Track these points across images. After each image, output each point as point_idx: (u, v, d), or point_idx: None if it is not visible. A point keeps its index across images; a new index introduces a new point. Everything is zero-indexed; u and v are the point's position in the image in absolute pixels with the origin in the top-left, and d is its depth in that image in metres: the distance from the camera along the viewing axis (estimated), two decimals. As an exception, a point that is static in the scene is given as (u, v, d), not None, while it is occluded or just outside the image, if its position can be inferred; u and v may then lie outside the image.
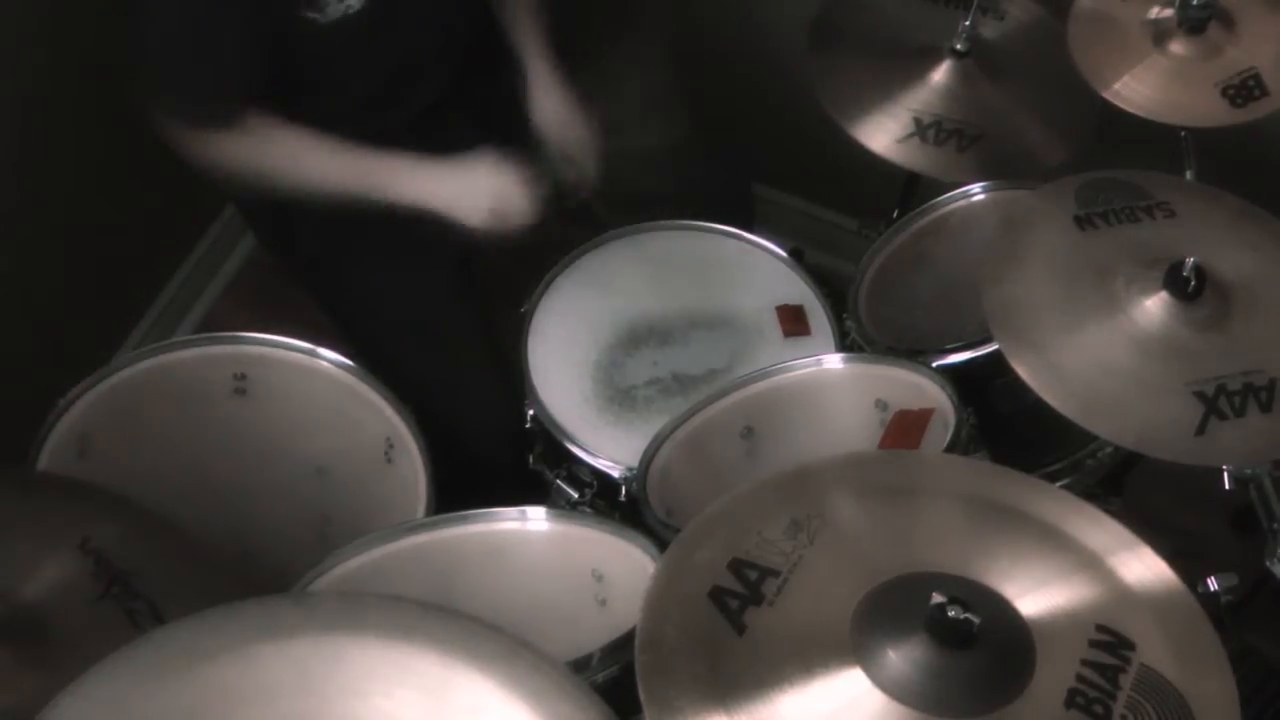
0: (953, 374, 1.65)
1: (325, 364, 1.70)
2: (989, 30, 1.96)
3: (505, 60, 1.95)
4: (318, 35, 1.71)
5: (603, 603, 1.50)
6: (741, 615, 1.07)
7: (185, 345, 1.72)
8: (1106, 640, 1.07)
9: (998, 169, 1.89)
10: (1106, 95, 1.74)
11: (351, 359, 1.70)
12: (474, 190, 1.74)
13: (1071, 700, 1.02)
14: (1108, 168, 1.60)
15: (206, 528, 1.43)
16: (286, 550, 1.60)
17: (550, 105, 1.92)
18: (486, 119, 1.98)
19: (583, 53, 1.98)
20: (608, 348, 1.83)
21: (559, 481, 1.75)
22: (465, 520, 1.51)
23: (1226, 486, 1.51)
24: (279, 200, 1.90)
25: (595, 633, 1.34)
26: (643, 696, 1.01)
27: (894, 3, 2.03)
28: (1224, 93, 1.71)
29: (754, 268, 1.92)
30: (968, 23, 1.89)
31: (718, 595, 1.08)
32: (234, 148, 1.72)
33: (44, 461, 1.57)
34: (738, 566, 1.10)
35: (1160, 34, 1.75)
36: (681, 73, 1.94)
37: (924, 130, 1.88)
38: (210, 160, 1.72)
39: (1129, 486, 1.95)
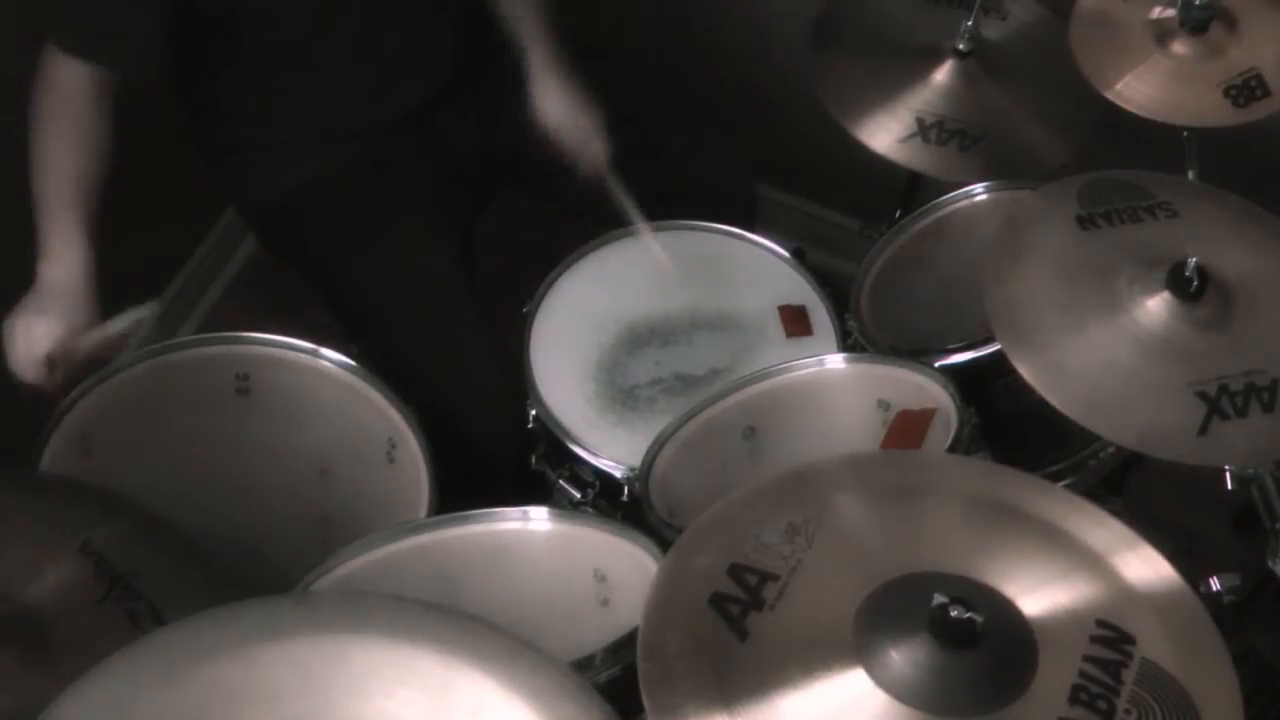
0: (955, 374, 1.65)
1: (327, 364, 1.70)
2: (991, 30, 1.97)
3: (502, 61, 1.95)
4: (274, 15, 1.71)
5: (605, 603, 1.50)
6: (743, 621, 1.06)
7: (187, 345, 1.72)
8: (1107, 635, 1.07)
9: (1000, 169, 1.89)
10: (1109, 95, 1.75)
11: (355, 359, 1.70)
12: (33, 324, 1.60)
13: (1075, 697, 1.02)
14: (1110, 168, 1.60)
15: (208, 528, 1.43)
16: (288, 550, 1.60)
17: (553, 94, 1.92)
18: (482, 119, 1.99)
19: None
20: (610, 348, 1.83)
21: (561, 481, 1.75)
22: (467, 520, 1.51)
23: (1228, 487, 1.51)
24: (276, 199, 1.91)
25: (597, 633, 1.34)
26: (646, 704, 1.01)
27: (896, 2, 2.03)
28: (1226, 93, 1.71)
29: (756, 268, 1.92)
30: (970, 23, 1.89)
31: (718, 602, 1.08)
32: (41, 80, 1.66)
33: (46, 462, 1.58)
34: (737, 572, 1.10)
35: (1162, 34, 1.75)
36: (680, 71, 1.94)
37: (926, 130, 1.88)
38: (38, 79, 1.66)
39: (1131, 486, 1.95)
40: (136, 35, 1.66)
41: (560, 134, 1.92)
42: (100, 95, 1.65)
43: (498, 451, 1.83)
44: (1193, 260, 1.41)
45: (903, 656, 1.02)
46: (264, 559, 1.62)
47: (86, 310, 1.62)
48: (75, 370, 1.61)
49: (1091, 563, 1.12)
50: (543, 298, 1.88)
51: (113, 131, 1.66)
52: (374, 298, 1.89)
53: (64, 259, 1.62)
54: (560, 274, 1.90)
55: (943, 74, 1.92)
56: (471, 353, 1.86)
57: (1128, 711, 1.02)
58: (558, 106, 1.92)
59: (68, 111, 1.65)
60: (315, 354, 1.70)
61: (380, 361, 1.76)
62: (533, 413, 1.77)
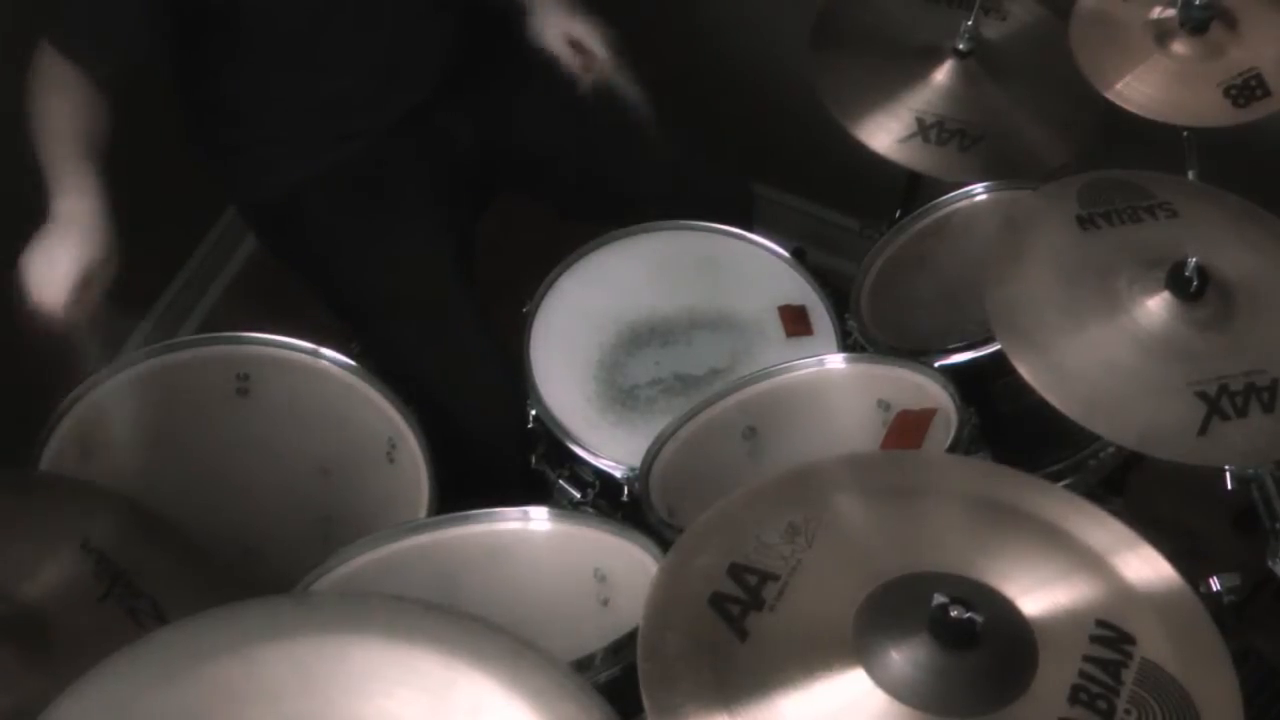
0: (955, 374, 1.65)
1: (327, 364, 1.70)
2: (991, 30, 1.97)
3: (503, 63, 1.94)
4: (272, 13, 1.72)
5: (605, 603, 1.50)
6: (743, 621, 1.06)
7: (187, 345, 1.72)
8: (1107, 635, 1.07)
9: (1000, 169, 1.89)
10: (1109, 95, 1.75)
11: (355, 359, 1.70)
12: (58, 244, 1.58)
13: (1075, 697, 1.02)
14: (1110, 168, 1.60)
15: (209, 527, 1.44)
16: (289, 550, 1.60)
17: (553, 13, 1.91)
18: (483, 120, 1.99)
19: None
20: (610, 348, 1.83)
21: (561, 481, 1.75)
22: (468, 520, 1.51)
23: (1228, 487, 1.51)
24: (277, 198, 1.91)
25: (597, 633, 1.34)
26: (646, 704, 1.01)
27: (896, 2, 2.03)
28: (1226, 92, 1.71)
29: (756, 268, 1.92)
30: (970, 23, 1.89)
31: (718, 602, 1.08)
32: (34, 70, 1.67)
33: (46, 461, 1.58)
34: (737, 572, 1.10)
35: (1162, 34, 1.75)
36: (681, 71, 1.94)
37: (926, 130, 1.88)
38: (32, 69, 1.67)
39: (1131, 486, 1.95)
40: (124, 35, 1.67)
41: (564, 50, 1.89)
42: (93, 85, 1.65)
43: (498, 451, 1.83)
44: (1193, 260, 1.41)
45: (903, 656, 1.02)
46: (264, 559, 1.62)
47: (103, 235, 1.59)
48: (95, 303, 1.58)
49: (1091, 563, 1.12)
50: (543, 298, 1.88)
51: (109, 106, 1.66)
52: (374, 297, 1.89)
53: (76, 191, 1.60)
54: (560, 274, 1.90)
55: (943, 74, 1.92)
56: (471, 353, 1.86)
57: (1128, 711, 1.02)
58: (558, 23, 1.90)
59: (63, 91, 1.65)
60: (315, 354, 1.70)
61: (380, 361, 1.76)
62: (533, 413, 1.77)
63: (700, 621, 1.06)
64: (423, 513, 1.59)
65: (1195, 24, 1.73)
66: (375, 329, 1.89)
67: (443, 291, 1.88)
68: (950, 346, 1.71)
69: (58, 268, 1.55)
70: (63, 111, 1.64)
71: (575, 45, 1.89)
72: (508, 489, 1.68)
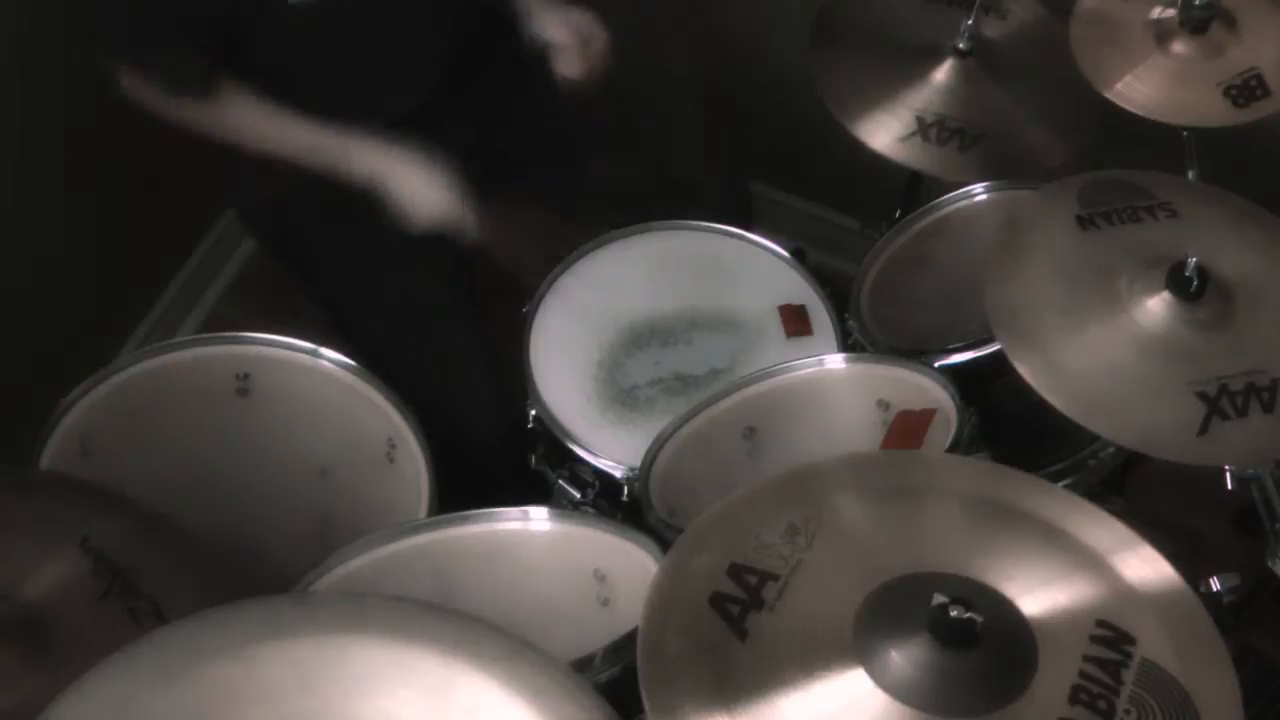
0: (955, 374, 1.65)
1: (327, 364, 1.70)
2: (991, 30, 1.97)
3: (504, 65, 1.94)
4: (287, 22, 1.72)
5: (605, 603, 1.50)
6: (743, 621, 1.06)
7: (187, 345, 1.72)
8: (1107, 636, 1.07)
9: (1000, 169, 1.89)
10: (1109, 95, 1.75)
11: (352, 359, 1.70)
12: (424, 181, 1.77)
13: (1075, 697, 1.02)
14: (1110, 168, 1.60)
15: (208, 527, 1.43)
16: (288, 550, 1.60)
17: (549, 11, 1.91)
18: (484, 121, 1.99)
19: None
20: (610, 348, 1.83)
21: (561, 482, 1.75)
22: (467, 520, 1.51)
23: (1229, 487, 1.51)
24: (276, 200, 1.91)
25: (597, 633, 1.34)
26: (646, 705, 1.01)
27: (896, 2, 2.03)
28: (1226, 92, 1.71)
29: (756, 267, 1.92)
30: (970, 22, 1.89)
31: (718, 602, 1.08)
32: (207, 114, 1.75)
33: (46, 461, 1.58)
34: (737, 572, 1.10)
35: (1162, 34, 1.75)
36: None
37: (926, 130, 1.88)
38: (185, 122, 1.75)
39: (1131, 486, 1.95)
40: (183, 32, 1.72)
41: (565, 37, 1.90)
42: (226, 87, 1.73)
43: (497, 451, 1.83)
44: (1193, 260, 1.41)
45: (903, 656, 1.02)
46: (263, 558, 1.62)
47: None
48: None
49: (1091, 563, 1.12)
50: (543, 298, 1.88)
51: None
52: (371, 298, 1.89)
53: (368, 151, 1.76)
54: (560, 274, 1.90)
55: (943, 73, 1.91)
56: (468, 355, 1.86)
57: (1128, 711, 1.02)
58: (555, 16, 1.90)
59: (248, 101, 1.74)
60: (315, 354, 1.70)
61: (375, 362, 1.76)
62: (532, 413, 1.77)
63: (700, 621, 1.06)
64: (422, 513, 1.59)
65: (1195, 24, 1.73)
66: (372, 330, 1.89)
67: (441, 293, 1.88)
68: (950, 346, 1.71)
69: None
70: (267, 119, 1.76)
71: (576, 32, 1.89)
72: (507, 489, 1.68)
